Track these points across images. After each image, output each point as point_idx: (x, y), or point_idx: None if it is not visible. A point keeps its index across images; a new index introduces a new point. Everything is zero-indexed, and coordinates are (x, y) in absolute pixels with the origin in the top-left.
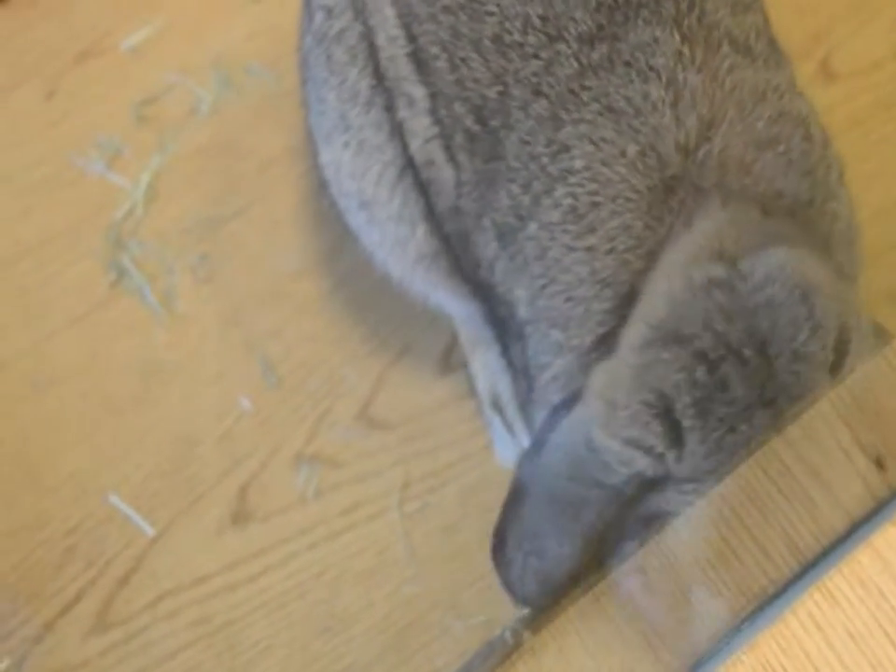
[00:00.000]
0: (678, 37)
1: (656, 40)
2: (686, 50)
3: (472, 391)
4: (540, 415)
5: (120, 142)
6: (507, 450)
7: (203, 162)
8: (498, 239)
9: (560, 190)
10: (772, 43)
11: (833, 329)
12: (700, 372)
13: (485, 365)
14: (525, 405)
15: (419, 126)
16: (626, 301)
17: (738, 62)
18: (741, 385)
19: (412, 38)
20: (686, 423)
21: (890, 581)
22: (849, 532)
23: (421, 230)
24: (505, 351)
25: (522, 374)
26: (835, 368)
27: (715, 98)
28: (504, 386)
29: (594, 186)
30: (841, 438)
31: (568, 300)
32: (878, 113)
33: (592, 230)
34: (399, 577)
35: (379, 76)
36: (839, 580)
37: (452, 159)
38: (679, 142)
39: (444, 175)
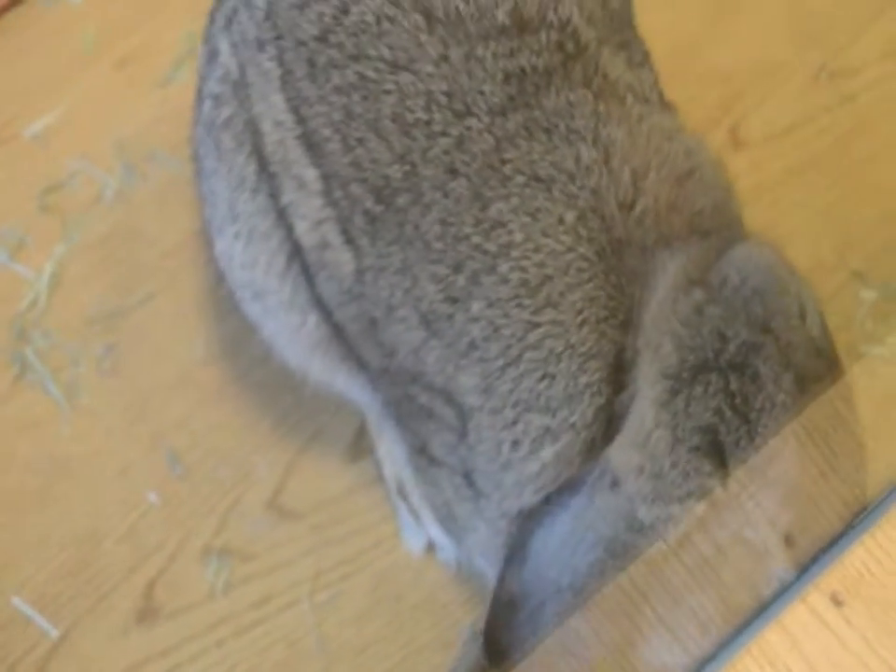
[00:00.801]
0: (591, 97)
1: (571, 104)
2: (601, 108)
3: (382, 476)
4: (490, 521)
5: (24, 232)
6: (414, 537)
7: (107, 251)
8: (425, 326)
9: (504, 266)
10: (661, 94)
11: (805, 294)
12: (734, 381)
13: (390, 451)
14: (453, 505)
15: (310, 208)
16: (617, 368)
17: (644, 110)
18: (765, 366)
19: (301, 121)
20: (730, 439)
21: (799, 660)
22: (759, 611)
23: (313, 318)
24: (420, 445)
25: (460, 475)
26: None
27: (639, 148)
28: (408, 474)
29: (539, 257)
30: (750, 515)
31: (544, 377)
32: (787, 179)
33: (553, 303)
34: (310, 670)
35: (263, 162)
36: (748, 660)
37: (350, 241)
38: (619, 200)
39: (341, 258)
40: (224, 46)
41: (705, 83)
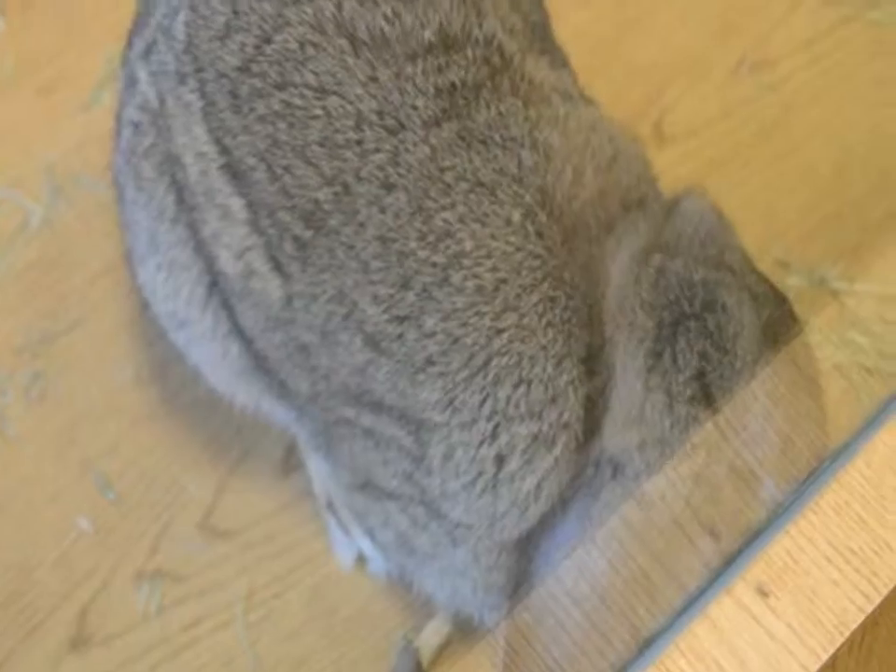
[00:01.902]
0: (521, 105)
1: (502, 114)
2: (532, 114)
3: (312, 491)
4: (480, 554)
5: None
6: (345, 551)
7: (33, 278)
8: (372, 346)
9: (456, 276)
10: (581, 90)
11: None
12: (710, 320)
13: (320, 466)
14: (410, 538)
15: (234, 237)
16: (588, 362)
17: (569, 107)
18: (729, 296)
19: (224, 151)
20: (715, 375)
21: (728, 653)
22: (686, 606)
23: (235, 347)
24: (362, 480)
25: (420, 505)
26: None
27: (574, 146)
28: (335, 489)
29: (491, 262)
30: (675, 511)
31: (520, 383)
32: (711, 172)
33: (512, 307)
34: None
35: (183, 193)
36: (676, 655)
37: (278, 268)
38: (563, 195)
39: (268, 285)
40: (143, 74)
41: (627, 79)
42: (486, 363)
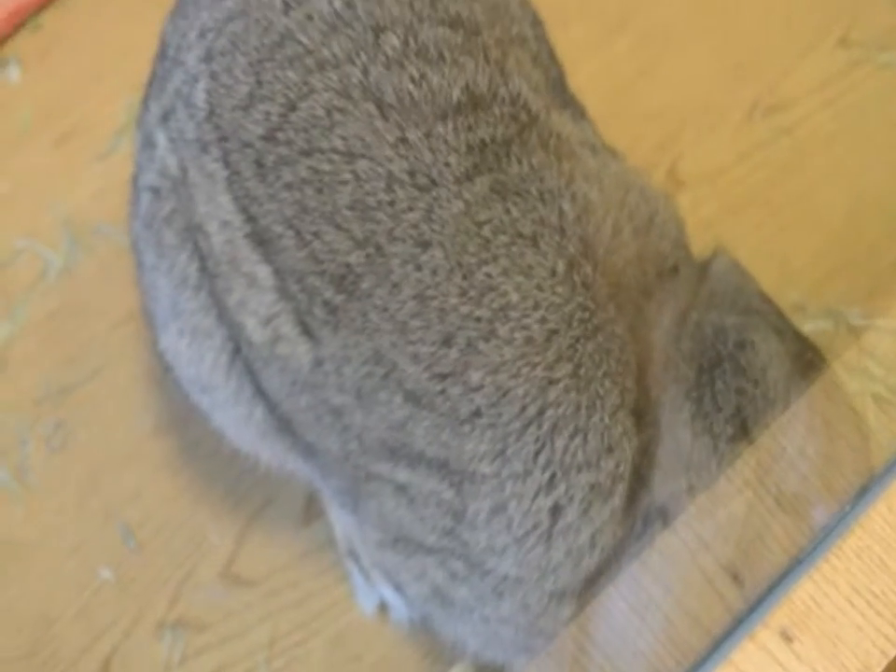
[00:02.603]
0: (553, 159)
1: (535, 168)
2: (566, 167)
3: (334, 539)
4: (530, 605)
5: None
6: (367, 598)
7: (53, 327)
8: (413, 403)
9: (504, 328)
10: (602, 139)
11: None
12: (742, 359)
13: (341, 514)
14: (447, 591)
15: (261, 304)
16: (639, 414)
17: (599, 161)
18: (757, 334)
19: (250, 219)
20: (751, 409)
21: None
22: (710, 651)
23: (259, 410)
24: (394, 536)
25: (460, 559)
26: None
27: (612, 203)
28: (356, 536)
29: (540, 313)
30: (697, 555)
31: (577, 432)
32: (726, 217)
33: (567, 357)
34: None
35: (206, 261)
36: None
37: (307, 333)
38: (605, 248)
39: (297, 350)
40: (162, 140)
41: (642, 126)
42: (541, 413)
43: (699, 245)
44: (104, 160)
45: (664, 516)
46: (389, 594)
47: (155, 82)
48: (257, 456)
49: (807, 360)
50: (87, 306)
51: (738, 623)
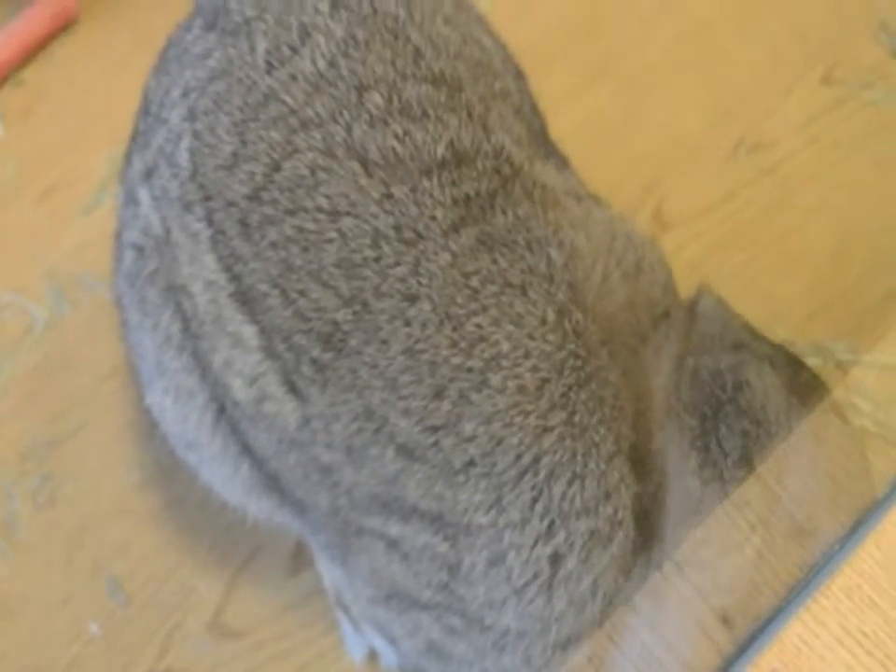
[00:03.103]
0: (539, 209)
1: (521, 218)
2: (551, 217)
3: (322, 588)
4: (531, 658)
5: None
6: (356, 647)
7: (38, 381)
8: (405, 456)
9: (496, 377)
10: (586, 188)
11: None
12: (742, 400)
13: (330, 565)
14: (443, 645)
15: (247, 364)
16: (640, 462)
17: (584, 210)
18: (749, 371)
19: (234, 279)
20: (756, 448)
21: None
22: None
23: (246, 467)
24: (386, 592)
25: (456, 615)
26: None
27: (599, 249)
28: (345, 586)
29: (532, 362)
30: (687, 599)
31: (574, 479)
32: (711, 256)
33: (560, 405)
34: None
35: (187, 322)
36: None
37: (294, 391)
38: (595, 294)
39: (284, 408)
40: (145, 197)
41: (627, 169)
42: (536, 461)
43: (686, 286)
44: (87, 213)
45: (678, 566)
46: (379, 642)
47: (138, 138)
48: (245, 511)
49: (804, 382)
50: (72, 360)
51: (729, 666)
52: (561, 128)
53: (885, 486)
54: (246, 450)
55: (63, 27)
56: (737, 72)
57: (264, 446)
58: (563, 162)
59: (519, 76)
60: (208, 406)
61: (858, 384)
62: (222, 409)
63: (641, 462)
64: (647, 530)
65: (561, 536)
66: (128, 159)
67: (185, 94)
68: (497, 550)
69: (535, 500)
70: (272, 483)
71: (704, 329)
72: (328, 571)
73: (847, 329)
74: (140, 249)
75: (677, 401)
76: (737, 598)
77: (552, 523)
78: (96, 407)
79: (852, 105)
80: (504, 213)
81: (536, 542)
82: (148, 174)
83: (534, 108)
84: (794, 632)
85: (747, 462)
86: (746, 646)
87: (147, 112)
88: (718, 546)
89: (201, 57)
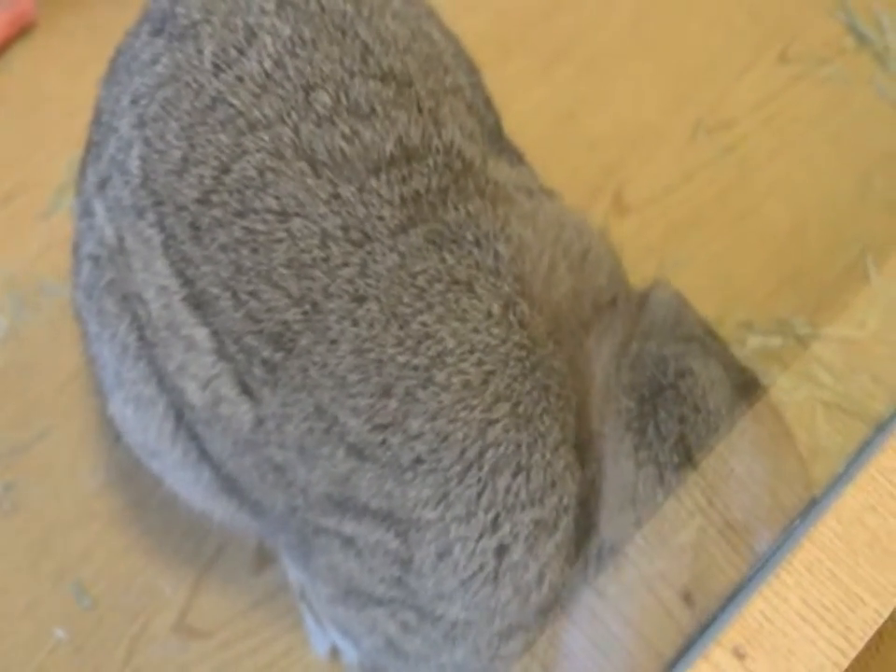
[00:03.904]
0: (489, 205)
1: (471, 214)
2: (501, 212)
3: (287, 584)
4: (479, 650)
5: None
6: (320, 642)
7: (1, 389)
8: (356, 455)
9: (441, 374)
10: (539, 182)
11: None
12: (683, 386)
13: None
14: (400, 643)
15: (200, 367)
16: (581, 449)
17: (535, 204)
18: (696, 361)
19: (187, 283)
20: (694, 436)
21: None
22: None
23: (206, 472)
24: (345, 589)
25: (411, 610)
26: None
27: (546, 241)
28: (308, 581)
29: (477, 356)
30: (650, 580)
31: (519, 470)
32: (671, 238)
33: (504, 397)
34: None
35: (143, 331)
36: None
37: (247, 392)
38: (541, 285)
39: (238, 410)
40: (99, 208)
41: (586, 153)
42: (481, 455)
43: (646, 268)
44: (46, 218)
45: (614, 552)
46: (340, 639)
47: (92, 149)
48: (210, 515)
49: (746, 384)
50: (34, 366)
51: (692, 644)
52: (519, 113)
53: (843, 459)
54: (205, 455)
55: (21, 32)
56: (695, 53)
57: (220, 450)
58: (517, 158)
59: (472, 70)
60: (167, 414)
61: (818, 357)
62: (180, 416)
63: (585, 449)
64: (587, 516)
65: (506, 528)
66: (82, 171)
67: (134, 102)
68: (445, 543)
69: (480, 494)
70: (230, 486)
71: (653, 318)
72: (291, 567)
73: (807, 305)
74: (96, 260)
75: (616, 384)
76: (699, 576)
77: (496, 515)
78: (58, 413)
79: (809, 82)
80: (456, 208)
81: (481, 535)
82: (102, 185)
83: (487, 104)
84: (756, 608)
85: (684, 447)
86: (708, 624)
87: (99, 122)
88: (678, 528)
89: (149, 63)
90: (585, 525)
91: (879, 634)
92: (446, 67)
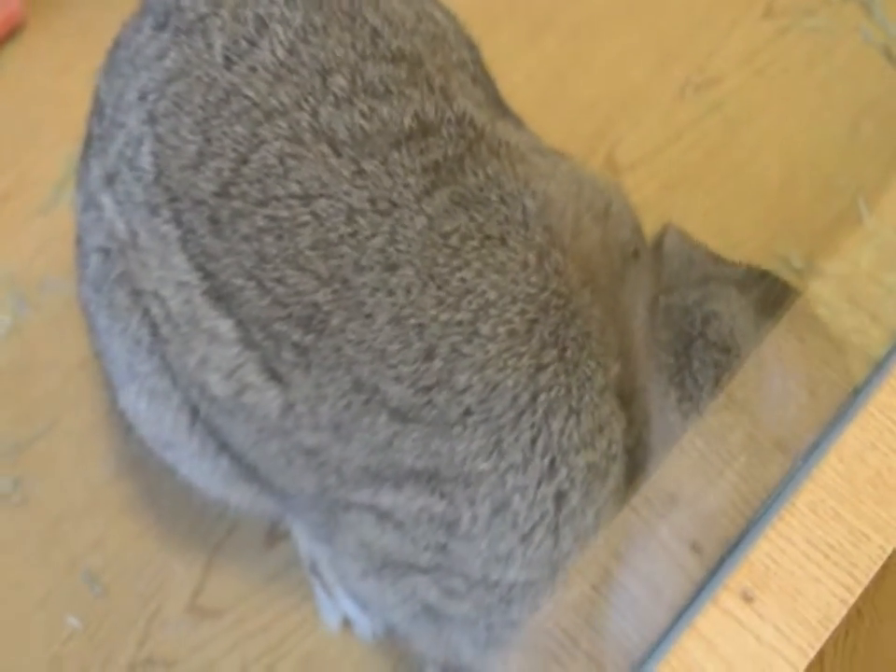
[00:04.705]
0: (507, 164)
1: (491, 176)
2: (520, 171)
3: (298, 557)
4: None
5: None
6: (331, 614)
7: (5, 386)
8: (399, 419)
9: (486, 325)
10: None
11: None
12: (711, 333)
13: (303, 531)
14: (444, 608)
15: (224, 358)
16: (626, 399)
17: (550, 163)
18: (718, 303)
19: (208, 276)
20: (726, 376)
21: (718, 662)
22: (674, 620)
23: (225, 462)
24: (380, 561)
25: (458, 576)
26: None
27: (570, 195)
28: (320, 552)
29: (520, 305)
30: (657, 532)
31: (570, 413)
32: (665, 196)
33: (551, 343)
34: None
35: (156, 327)
36: (668, 671)
37: (275, 378)
38: (571, 236)
39: (266, 396)
40: (108, 202)
41: (577, 117)
42: (533, 399)
43: (643, 227)
44: (45, 213)
45: (673, 502)
46: (351, 609)
47: (94, 142)
48: (226, 501)
49: (775, 293)
50: (38, 361)
51: (700, 590)
52: (510, 82)
53: (842, 398)
54: (224, 446)
55: (11, 33)
56: (681, 13)
57: (243, 439)
58: (519, 123)
59: (472, 47)
60: (182, 406)
61: (817, 296)
62: (196, 410)
63: (627, 398)
64: (634, 466)
65: (563, 472)
66: (85, 163)
67: (142, 97)
68: (501, 496)
69: (535, 439)
70: (250, 473)
71: (671, 268)
72: (302, 538)
73: (803, 251)
74: (106, 253)
75: (654, 342)
76: (705, 524)
77: (553, 460)
78: (64, 406)
79: (795, 33)
80: (475, 173)
81: (540, 482)
82: (110, 179)
83: (487, 76)
84: (762, 551)
85: (721, 391)
86: (716, 569)
87: (101, 115)
88: (683, 475)
89: (155, 58)
90: (631, 475)
91: (884, 568)
92: (450, 45)
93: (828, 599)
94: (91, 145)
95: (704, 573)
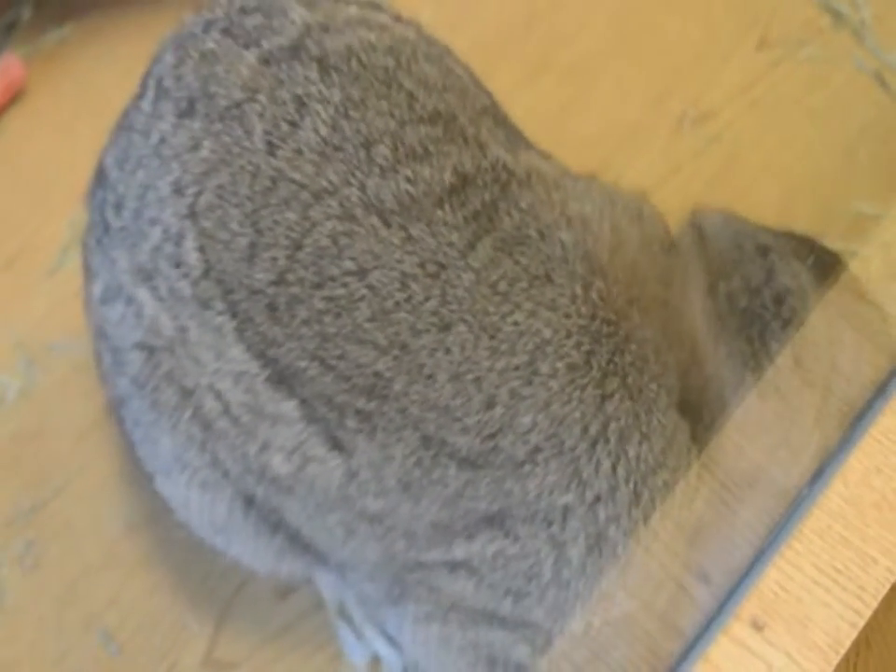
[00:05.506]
0: (541, 191)
1: (525, 210)
2: (555, 196)
3: (314, 607)
4: None
5: None
6: (359, 653)
7: (16, 450)
8: (470, 466)
9: (545, 364)
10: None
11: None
12: (785, 310)
13: (328, 580)
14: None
15: (288, 438)
16: (691, 400)
17: (585, 183)
18: (786, 276)
19: (269, 363)
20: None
21: None
22: (686, 651)
23: (279, 539)
24: (444, 612)
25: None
26: None
27: (604, 206)
28: (348, 596)
29: (575, 339)
30: (666, 563)
31: (642, 439)
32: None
33: (611, 372)
34: None
35: (210, 423)
36: None
37: (337, 447)
38: (607, 249)
39: (328, 467)
40: (146, 297)
41: (575, 156)
42: (604, 427)
43: None
44: (51, 277)
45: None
46: (384, 648)
47: (115, 233)
48: (275, 576)
49: (826, 262)
50: (48, 424)
51: (711, 621)
52: (512, 117)
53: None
54: (279, 525)
55: (13, 99)
56: (674, 48)
57: (298, 514)
58: (545, 154)
59: (487, 92)
60: (236, 497)
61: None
62: (251, 499)
63: (696, 395)
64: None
65: (646, 496)
66: (103, 251)
67: (177, 191)
68: (594, 530)
69: (614, 466)
70: (306, 548)
71: (718, 248)
72: (324, 583)
73: None
74: (150, 350)
75: (723, 331)
76: (713, 554)
77: (636, 484)
78: (76, 466)
79: (789, 64)
80: (509, 214)
81: (630, 508)
82: (147, 275)
83: (505, 115)
84: (771, 579)
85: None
86: (725, 599)
87: (121, 206)
88: (688, 506)
89: (188, 149)
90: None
91: (893, 591)
92: (474, 95)
93: (837, 623)
94: (108, 234)
95: (714, 603)
